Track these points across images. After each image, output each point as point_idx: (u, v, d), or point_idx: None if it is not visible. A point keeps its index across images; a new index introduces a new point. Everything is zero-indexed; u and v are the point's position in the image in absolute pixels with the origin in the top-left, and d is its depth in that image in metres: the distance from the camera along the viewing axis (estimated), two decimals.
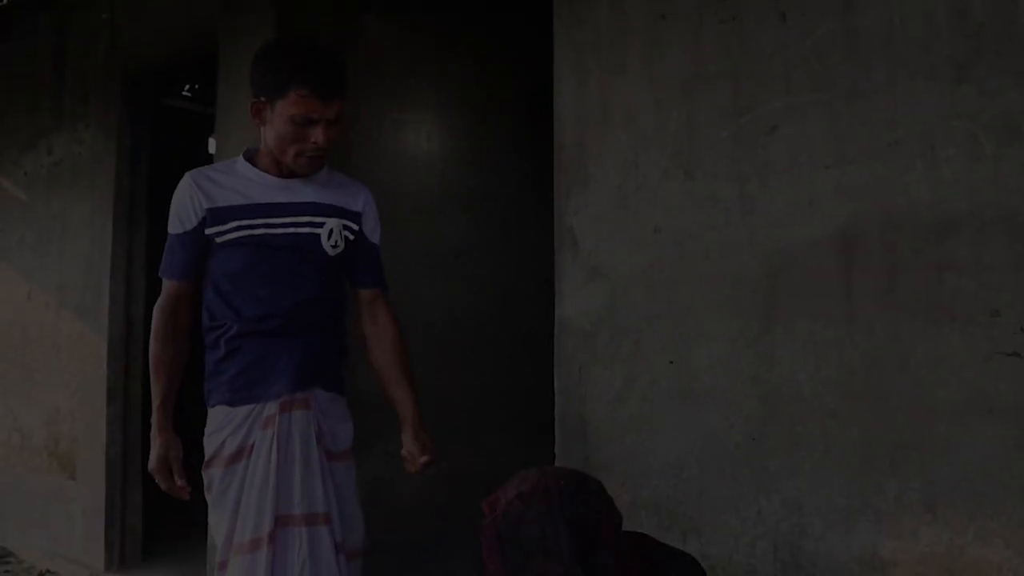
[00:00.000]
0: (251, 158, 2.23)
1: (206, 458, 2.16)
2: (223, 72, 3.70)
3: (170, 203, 2.20)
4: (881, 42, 1.97)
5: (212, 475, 2.15)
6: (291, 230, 2.18)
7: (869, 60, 1.98)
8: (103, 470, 4.25)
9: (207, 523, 2.37)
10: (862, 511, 1.96)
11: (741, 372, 2.15)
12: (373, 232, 2.31)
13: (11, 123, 5.22)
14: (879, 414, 1.94)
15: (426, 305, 3.75)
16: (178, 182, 2.21)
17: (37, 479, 4.77)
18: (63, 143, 4.74)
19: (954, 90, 1.86)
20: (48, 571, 4.40)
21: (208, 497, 2.17)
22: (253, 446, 2.12)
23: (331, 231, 2.21)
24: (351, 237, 2.25)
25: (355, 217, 2.27)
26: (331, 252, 2.21)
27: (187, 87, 6.18)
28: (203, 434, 2.17)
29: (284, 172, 2.19)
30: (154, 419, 2.20)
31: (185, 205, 2.17)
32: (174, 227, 2.19)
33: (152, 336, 2.22)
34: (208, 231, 2.16)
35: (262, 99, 2.12)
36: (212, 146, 5.68)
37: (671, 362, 2.28)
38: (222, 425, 2.15)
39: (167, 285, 2.22)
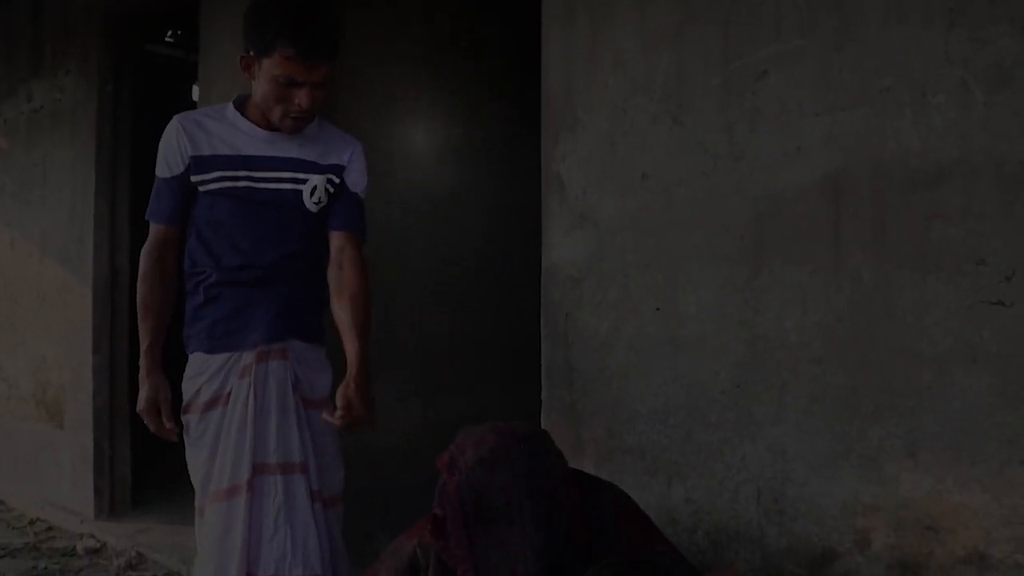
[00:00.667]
0: (241, 106, 2.20)
1: (183, 403, 2.17)
2: (206, 18, 3.63)
3: (154, 151, 2.19)
4: None
5: (188, 421, 2.17)
6: (273, 186, 2.16)
7: (861, 5, 1.95)
8: (90, 419, 4.27)
9: None
10: (845, 457, 1.98)
11: (728, 319, 2.16)
12: (356, 183, 2.27)
13: None
14: (864, 361, 1.95)
15: (414, 252, 3.74)
16: (162, 130, 2.19)
17: (26, 428, 4.78)
18: (43, 90, 4.66)
19: (946, 36, 1.84)
20: (38, 519, 4.43)
21: (186, 441, 2.18)
22: (230, 394, 2.12)
23: (314, 188, 2.18)
24: (331, 190, 2.22)
25: (339, 170, 2.23)
26: (313, 209, 2.19)
27: (170, 33, 6.07)
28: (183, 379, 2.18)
29: (272, 125, 2.16)
30: (142, 361, 2.21)
31: (172, 149, 2.15)
32: (161, 171, 2.17)
33: (139, 279, 2.21)
34: (192, 178, 2.14)
35: (251, 53, 2.08)
36: (196, 94, 5.59)
37: (658, 309, 2.28)
38: (199, 372, 2.16)
39: (154, 229, 2.21)
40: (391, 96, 3.71)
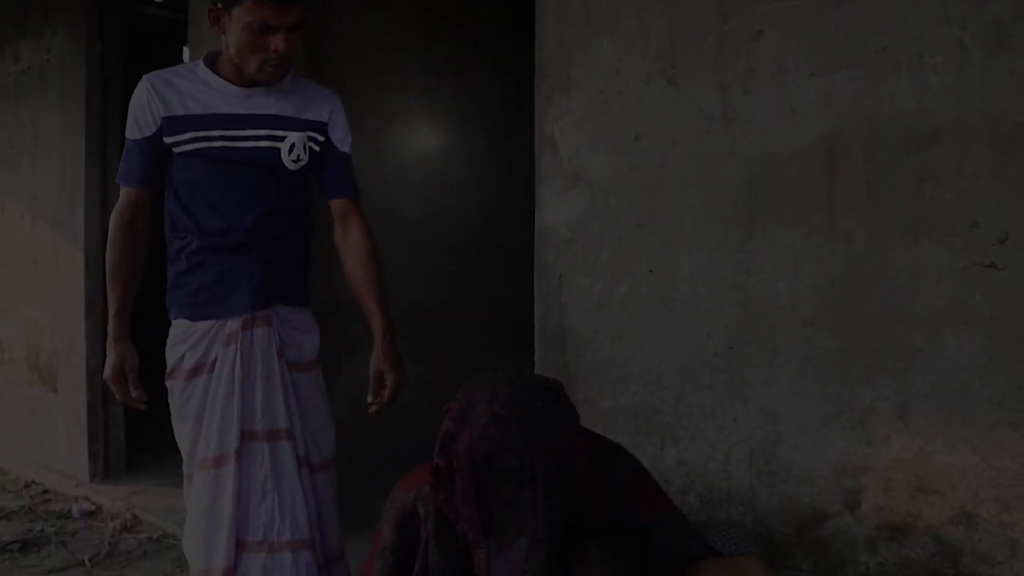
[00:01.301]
0: (212, 64, 2.15)
1: (167, 369, 2.15)
2: None
3: None
4: None
5: (173, 387, 2.15)
6: (251, 144, 2.11)
7: None
8: (84, 383, 4.26)
9: None
10: (836, 419, 1.99)
11: (721, 281, 2.15)
12: (342, 141, 2.22)
13: None
14: (856, 323, 1.95)
15: (407, 213, 3.73)
16: None
17: (20, 392, 4.78)
18: (30, 51, 4.59)
19: None
20: (33, 482, 4.45)
21: (171, 407, 2.17)
22: (215, 362, 2.11)
23: (292, 145, 2.13)
24: (316, 148, 2.18)
25: (321, 127, 2.18)
26: (292, 167, 2.14)
27: None
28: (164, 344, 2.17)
29: (245, 81, 2.10)
30: (110, 328, 2.19)
31: (143, 110, 2.09)
32: (132, 132, 2.12)
33: (109, 244, 2.18)
34: (166, 140, 2.10)
35: (219, 5, 2.02)
36: (186, 55, 5.52)
37: (651, 270, 2.28)
38: (182, 339, 2.14)
39: (124, 192, 2.17)
40: (382, 56, 3.67)
